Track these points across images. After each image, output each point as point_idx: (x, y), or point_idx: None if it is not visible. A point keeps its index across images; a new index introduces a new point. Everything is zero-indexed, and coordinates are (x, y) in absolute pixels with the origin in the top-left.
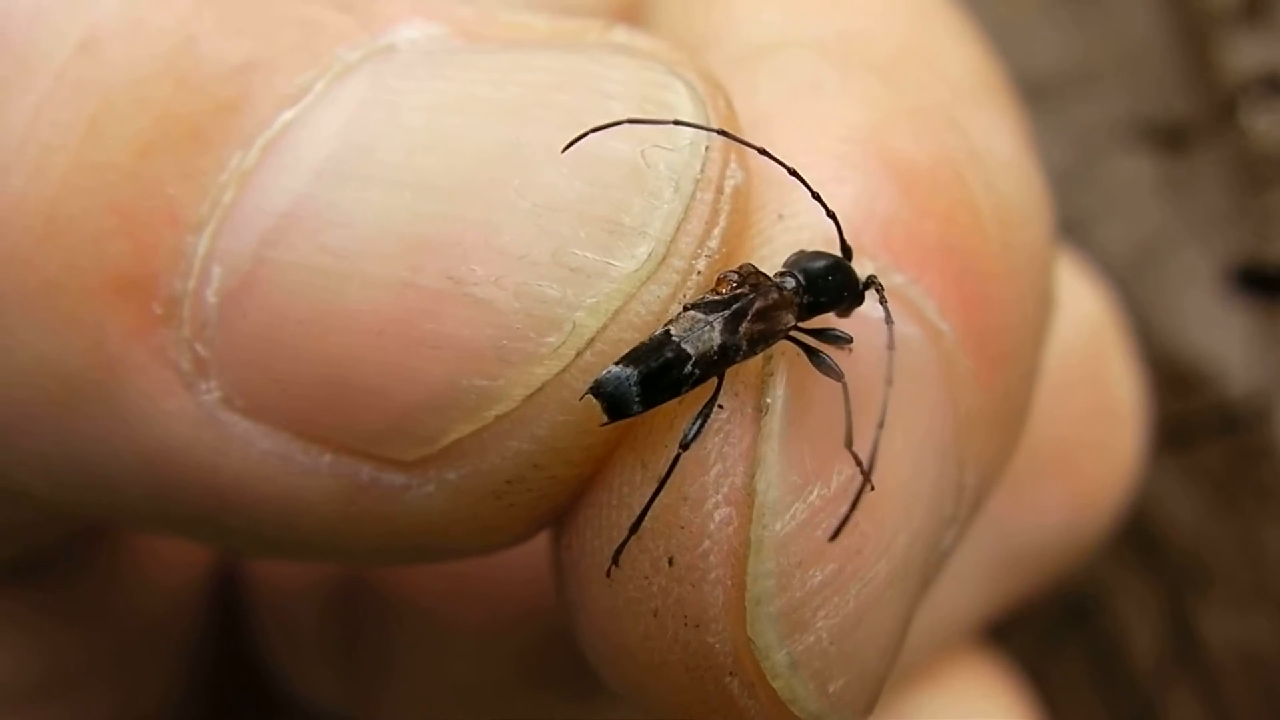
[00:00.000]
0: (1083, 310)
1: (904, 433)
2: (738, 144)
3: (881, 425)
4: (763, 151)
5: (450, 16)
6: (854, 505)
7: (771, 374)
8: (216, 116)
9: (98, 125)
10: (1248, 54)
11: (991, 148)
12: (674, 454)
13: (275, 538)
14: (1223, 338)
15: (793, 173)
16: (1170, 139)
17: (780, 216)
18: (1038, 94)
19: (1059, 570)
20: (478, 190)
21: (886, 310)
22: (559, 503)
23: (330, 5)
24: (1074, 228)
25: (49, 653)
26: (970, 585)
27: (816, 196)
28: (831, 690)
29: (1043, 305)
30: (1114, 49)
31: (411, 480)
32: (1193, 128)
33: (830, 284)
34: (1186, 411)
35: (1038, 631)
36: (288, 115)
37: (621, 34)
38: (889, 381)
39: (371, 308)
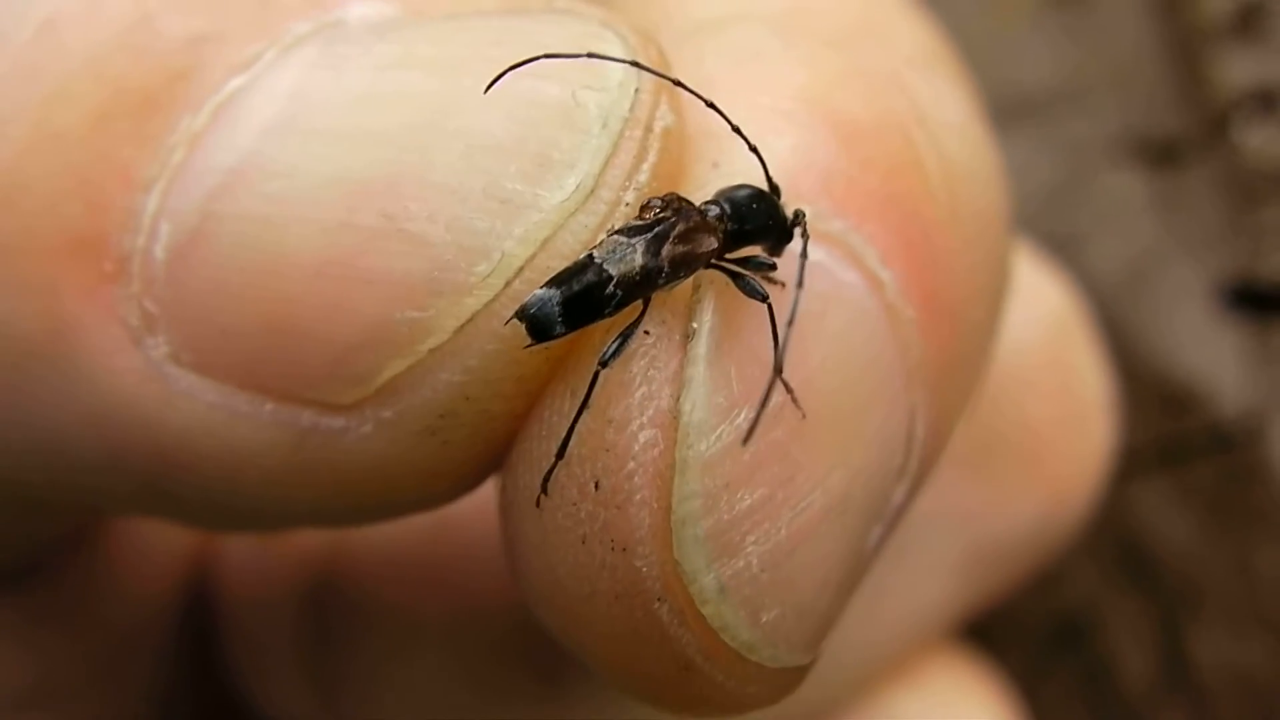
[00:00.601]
0: (1047, 305)
1: (841, 370)
2: (670, 91)
3: (791, 323)
4: (678, 83)
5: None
6: (763, 404)
7: (699, 301)
8: (169, 84)
9: (55, 98)
10: (1240, 70)
11: (939, 113)
12: (594, 371)
13: (223, 498)
14: (1215, 356)
15: (710, 105)
16: (1162, 155)
17: (715, 165)
18: (1029, 109)
19: (1033, 564)
20: (414, 135)
21: (805, 238)
22: (495, 441)
23: None
24: (1065, 244)
25: (33, 661)
26: (944, 579)
27: (737, 130)
28: (764, 620)
29: (995, 271)
30: (1106, 64)
31: (350, 422)
32: (1185, 143)
33: (754, 211)
34: (1178, 431)
35: (1029, 652)
36: (238, 81)
37: (564, 3)
38: (799, 285)
39: (310, 250)
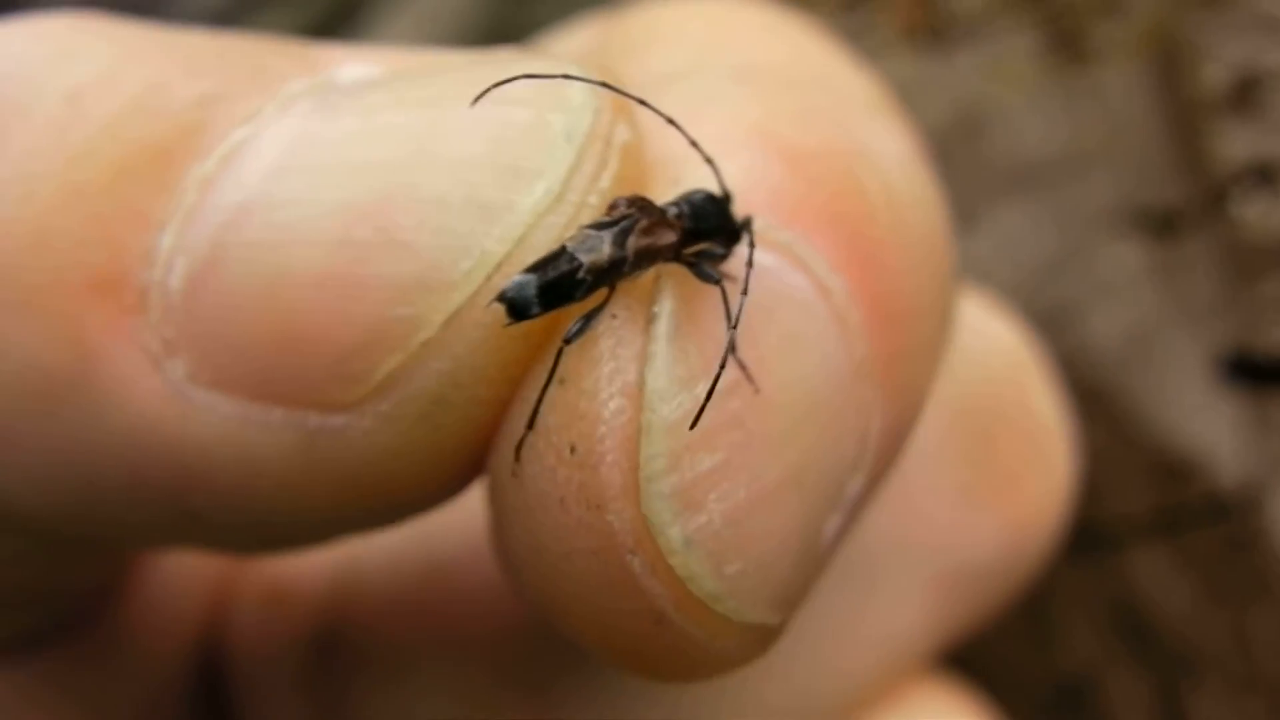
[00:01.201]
0: (1000, 342)
1: (791, 357)
2: (629, 114)
3: (738, 318)
4: (641, 101)
5: (385, 59)
6: (714, 384)
7: (661, 289)
8: (181, 139)
9: (79, 158)
10: (1238, 143)
11: (881, 147)
12: (559, 348)
13: (242, 507)
14: (1213, 426)
15: (670, 121)
16: (1161, 225)
17: (675, 181)
18: (1027, 177)
19: (1003, 592)
20: (402, 160)
21: (751, 245)
22: (484, 426)
23: (279, 54)
24: (1062, 313)
25: None
26: (916, 606)
27: (694, 144)
28: (728, 573)
29: (940, 290)
30: (1105, 134)
31: (351, 419)
32: (1184, 215)
33: (708, 211)
34: (1177, 500)
35: (1029, 716)
36: (242, 133)
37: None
38: (743, 292)
39: (312, 266)
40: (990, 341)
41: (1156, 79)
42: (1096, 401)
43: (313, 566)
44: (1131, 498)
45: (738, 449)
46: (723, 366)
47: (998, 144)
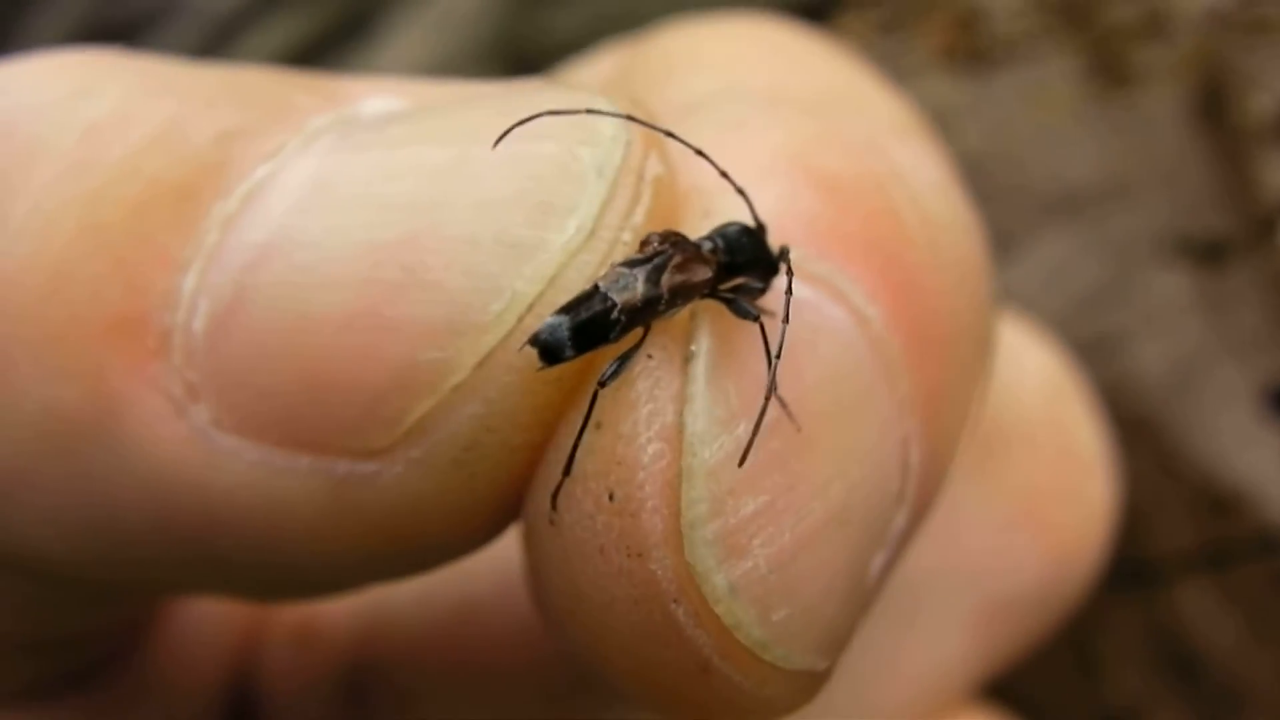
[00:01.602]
0: (1037, 366)
1: (832, 392)
2: (660, 146)
3: (778, 356)
4: (668, 133)
5: (410, 92)
6: (757, 425)
7: (697, 327)
8: (202, 176)
9: (97, 195)
10: None
11: (914, 172)
12: (594, 391)
13: (268, 555)
14: (1261, 459)
15: (700, 153)
16: (1208, 255)
17: (706, 213)
18: (1069, 204)
19: (1044, 622)
20: (428, 197)
21: (790, 274)
22: (516, 472)
23: (302, 89)
24: (1106, 344)
25: None
26: (957, 637)
27: (724, 175)
28: (775, 619)
29: (978, 315)
30: (1149, 161)
31: (382, 466)
32: (1229, 244)
33: (744, 245)
34: (1224, 534)
35: None
36: (265, 170)
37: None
38: (785, 319)
39: (338, 307)
40: (1029, 368)
41: (1200, 105)
42: (1142, 433)
43: (342, 606)
44: (1177, 531)
45: (781, 490)
46: (766, 404)
47: (1038, 170)
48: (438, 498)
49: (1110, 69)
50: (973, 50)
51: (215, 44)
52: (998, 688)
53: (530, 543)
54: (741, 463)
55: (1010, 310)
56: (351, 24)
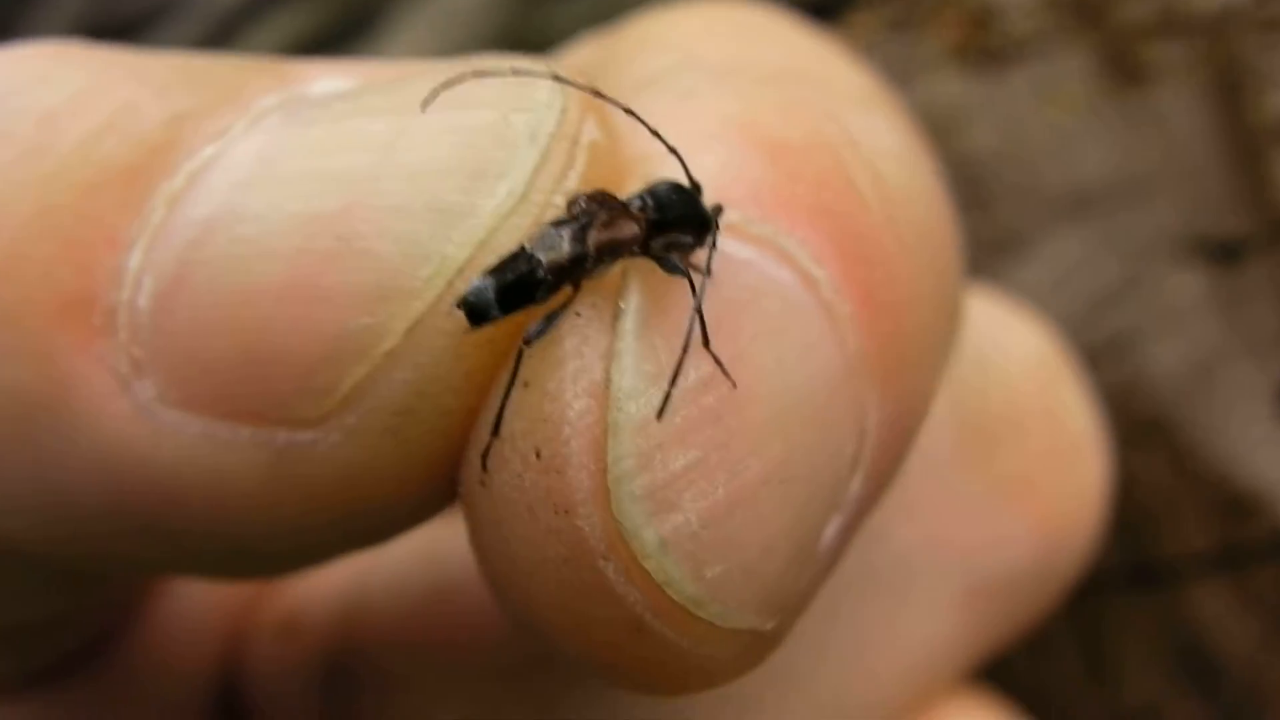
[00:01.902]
0: (1027, 346)
1: (773, 350)
2: (599, 114)
3: (698, 312)
4: (596, 93)
5: (361, 72)
6: (675, 374)
7: (627, 284)
8: (152, 157)
9: (50, 178)
10: None
11: (873, 140)
12: (518, 350)
13: (217, 528)
14: (1278, 459)
15: (628, 111)
16: (1223, 254)
17: (647, 178)
18: (1082, 203)
19: (1038, 601)
20: (364, 168)
21: (716, 230)
22: (452, 438)
23: (255, 71)
24: (1121, 344)
25: None
26: (946, 617)
27: (655, 133)
28: (709, 575)
29: (940, 280)
30: (1162, 158)
31: (319, 434)
32: (1246, 243)
33: (673, 201)
34: (1240, 536)
35: None
36: (211, 150)
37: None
38: (709, 262)
39: (275, 277)
40: (1014, 343)
41: (1216, 103)
42: (1156, 433)
43: (325, 594)
44: (1193, 533)
45: (714, 446)
46: (683, 354)
47: (1051, 169)
48: (374, 465)
49: (1124, 67)
50: (985, 48)
51: (216, 41)
52: (1012, 690)
53: (467, 506)
54: (663, 409)
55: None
56: (353, 21)
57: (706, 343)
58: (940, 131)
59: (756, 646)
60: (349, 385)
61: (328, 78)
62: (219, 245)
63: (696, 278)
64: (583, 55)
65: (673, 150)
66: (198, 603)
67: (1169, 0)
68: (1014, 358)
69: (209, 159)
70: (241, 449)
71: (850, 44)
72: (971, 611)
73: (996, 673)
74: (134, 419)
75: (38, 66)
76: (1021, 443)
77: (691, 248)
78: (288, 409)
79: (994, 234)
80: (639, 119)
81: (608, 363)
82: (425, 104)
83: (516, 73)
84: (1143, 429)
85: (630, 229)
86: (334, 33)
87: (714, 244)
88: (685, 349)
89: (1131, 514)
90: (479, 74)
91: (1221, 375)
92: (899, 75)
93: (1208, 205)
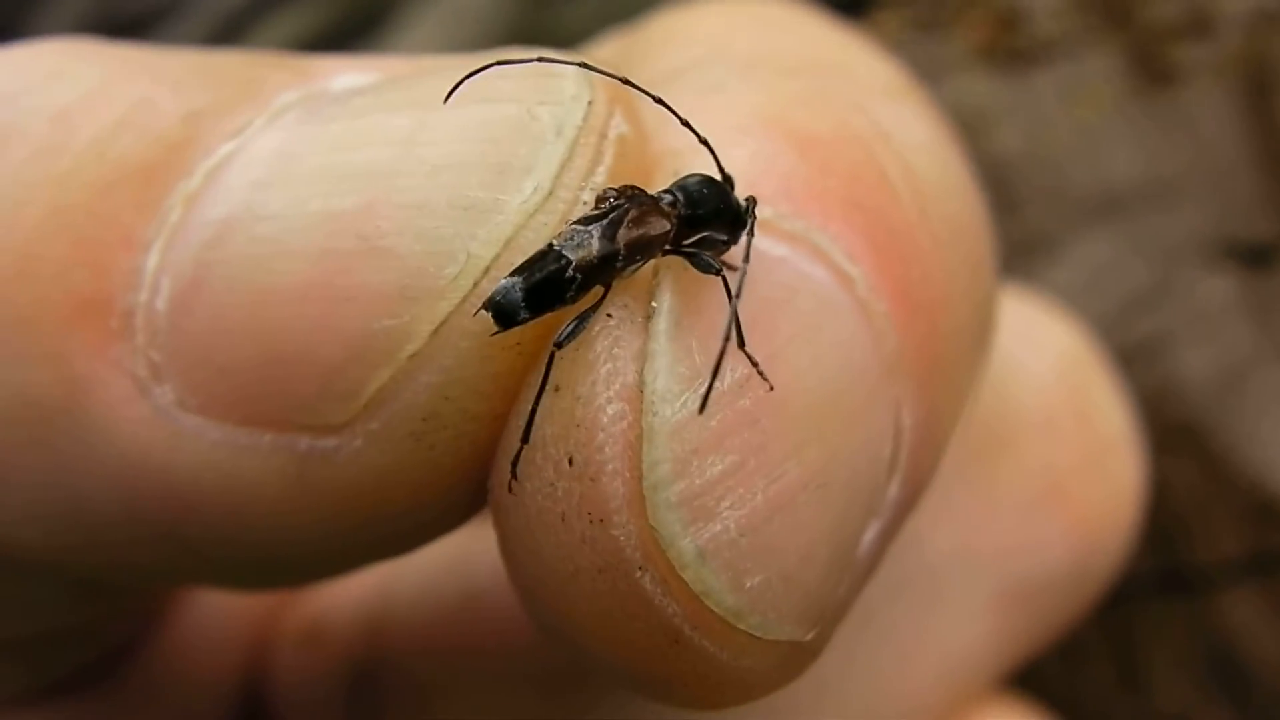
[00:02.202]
0: (1058, 345)
1: (809, 350)
2: (626, 105)
3: (735, 314)
4: (626, 81)
5: (382, 67)
6: (715, 372)
7: (659, 283)
8: (167, 155)
9: (65, 177)
10: None
11: (902, 133)
12: (549, 354)
13: (237, 537)
14: None
15: (658, 100)
16: (1253, 257)
17: (677, 174)
18: (1111, 205)
19: (1072, 605)
20: (385, 164)
21: (752, 225)
22: (479, 444)
23: (273, 66)
24: (1152, 348)
25: None
26: (980, 622)
27: (685, 123)
28: (748, 585)
29: (974, 276)
30: (1191, 160)
31: (342, 440)
32: (1277, 246)
33: (705, 196)
34: (1272, 541)
35: None
36: (229, 147)
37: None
38: (745, 259)
39: (295, 278)
40: (1045, 343)
41: (1245, 104)
42: (1187, 438)
43: (349, 603)
44: (1224, 538)
45: (752, 450)
46: (722, 354)
47: (1079, 171)
48: (399, 472)
49: (1153, 68)
50: (1012, 49)
51: (222, 39)
52: (1043, 696)
53: (497, 515)
54: (701, 409)
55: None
56: (360, 20)
57: (742, 344)
58: (967, 132)
59: (796, 658)
60: (373, 389)
61: (347, 73)
62: (238, 245)
63: (731, 276)
64: (605, 52)
65: (704, 142)
66: (221, 611)
67: (1198, 1)
68: (1046, 358)
69: (227, 156)
70: (262, 455)
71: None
72: (1005, 616)
73: (1028, 679)
74: (152, 424)
75: (50, 63)
76: (1054, 444)
77: (726, 244)
78: (310, 414)
79: (1023, 236)
80: (670, 109)
81: (640, 364)
82: (449, 96)
83: (543, 61)
84: (1174, 434)
85: (661, 225)
86: (341, 32)
87: (749, 235)
88: (724, 349)
89: (1162, 520)
90: (504, 63)
91: (1252, 380)
92: (925, 76)
93: (1237, 208)
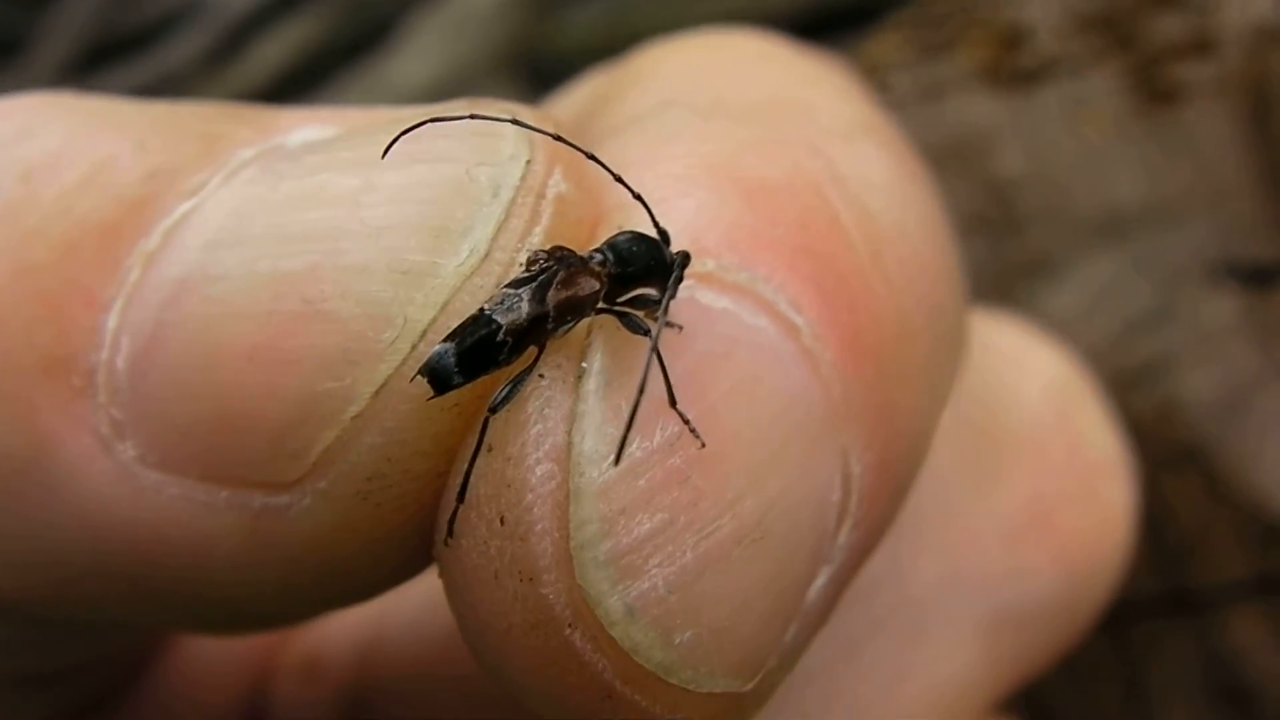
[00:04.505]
0: (1047, 371)
1: (748, 405)
2: (568, 165)
3: (641, 387)
4: (557, 138)
5: (341, 119)
6: (628, 426)
7: (590, 343)
8: (128, 214)
9: (30, 236)
10: None
11: (860, 173)
12: (484, 418)
13: (199, 588)
14: None
15: (590, 156)
16: (1257, 278)
17: (620, 227)
18: (1114, 226)
19: (1063, 633)
20: (329, 226)
21: (678, 277)
22: (424, 501)
23: (233, 120)
24: (1156, 369)
25: None
26: (967, 652)
27: (619, 179)
28: (678, 641)
29: (932, 317)
30: (1194, 180)
31: (293, 498)
32: (1279, 267)
33: (634, 254)
34: (1276, 564)
35: None
36: (186, 206)
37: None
38: (663, 313)
39: (244, 339)
40: (1034, 371)
41: (1247, 123)
42: (1191, 460)
43: (345, 635)
44: (1228, 560)
45: (682, 508)
46: (631, 419)
47: (1082, 191)
48: (348, 529)
49: (1155, 87)
50: (1014, 69)
51: (225, 51)
52: (1048, 717)
53: (440, 569)
54: (618, 460)
55: (1054, 336)
56: (363, 31)
57: (673, 402)
58: (970, 152)
59: (736, 708)
60: (319, 449)
61: (307, 126)
62: (192, 305)
63: (666, 333)
64: (587, 88)
65: (638, 197)
66: (222, 645)
67: (1201, 20)
68: (1033, 383)
69: (184, 216)
70: (220, 511)
71: (878, 64)
72: (993, 644)
73: (1034, 700)
74: (115, 479)
75: (21, 119)
76: (1043, 471)
77: (654, 304)
78: (262, 472)
79: (1025, 257)
80: (602, 164)
81: (570, 424)
82: (385, 153)
83: (475, 117)
84: (1177, 455)
85: (591, 285)
86: (344, 43)
87: (672, 295)
88: (634, 412)
89: (1167, 541)
90: (437, 120)
91: (1255, 401)
92: (928, 96)
93: (1241, 228)
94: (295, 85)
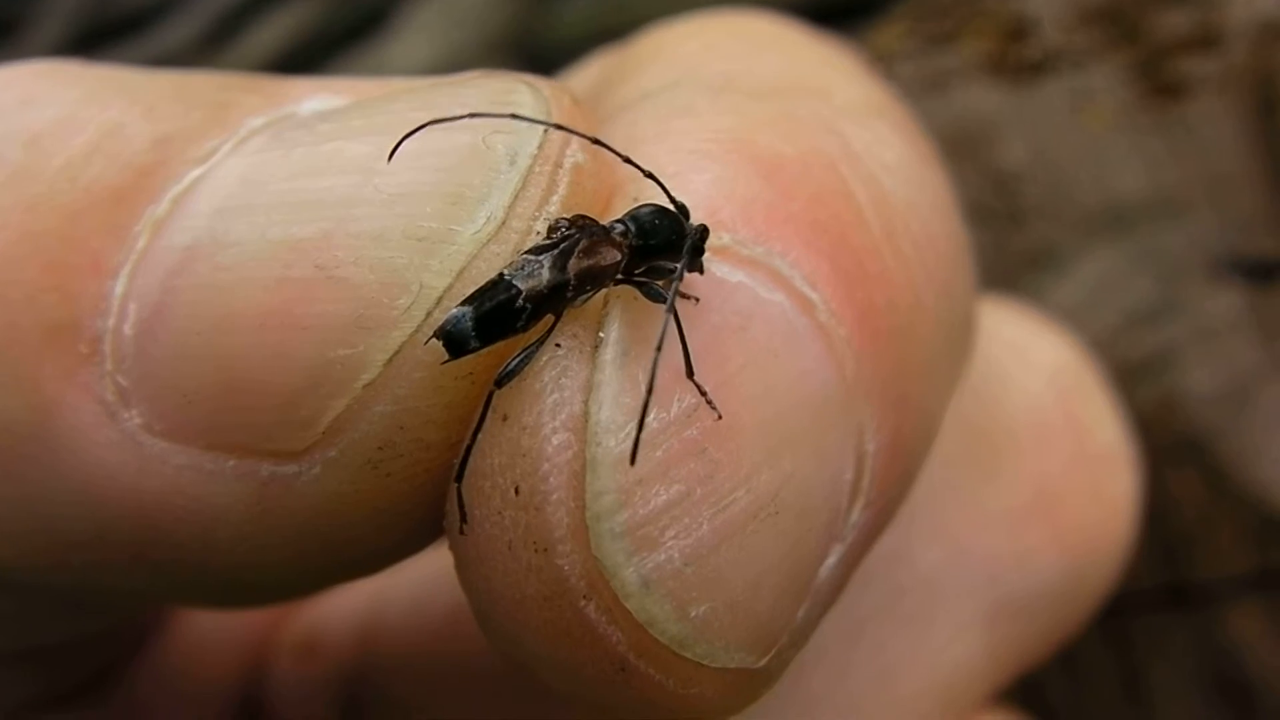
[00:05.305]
0: (1052, 359)
1: (764, 378)
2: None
3: (659, 348)
4: (559, 127)
5: (353, 89)
6: (644, 409)
7: (607, 313)
8: (136, 180)
9: (37, 202)
10: None
11: (874, 152)
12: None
13: (203, 558)
14: None
15: (596, 141)
16: (1260, 272)
17: (636, 199)
18: (1121, 221)
19: (1066, 620)
20: (343, 193)
21: (699, 251)
22: (434, 471)
23: (243, 89)
24: (1158, 363)
25: None
26: (971, 637)
27: (627, 159)
28: (694, 614)
29: (945, 295)
30: (1198, 173)
31: (301, 467)
32: None
33: (655, 226)
34: (1276, 557)
35: None
36: (196, 172)
37: (490, 70)
38: (677, 281)
39: (254, 305)
40: (1038, 356)
41: (1251, 117)
42: (1193, 454)
43: (343, 614)
44: (1228, 554)
45: (698, 479)
46: (649, 389)
47: (1085, 183)
48: (358, 498)
49: (1159, 81)
50: (1019, 60)
51: (217, 37)
52: (1047, 711)
53: (450, 541)
54: (635, 447)
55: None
56: (357, 19)
57: (691, 373)
58: (973, 144)
59: (749, 684)
60: (330, 418)
61: (318, 95)
62: (201, 272)
63: (685, 305)
64: (592, 71)
65: (649, 174)
66: (220, 622)
67: (1205, 14)
68: (1038, 371)
69: (194, 182)
70: (226, 480)
71: (883, 53)
72: (998, 630)
73: (1032, 693)
74: (121, 448)
75: (25, 87)
76: (1047, 457)
77: (671, 272)
78: (271, 441)
79: (1028, 249)
80: (607, 146)
81: (587, 394)
82: (391, 155)
83: (516, 118)
84: (1179, 449)
85: (612, 255)
86: (339, 29)
87: (685, 268)
88: (652, 382)
89: (1167, 535)
90: (437, 122)
91: (1257, 395)
92: (932, 86)
93: (1244, 222)
94: (289, 72)
